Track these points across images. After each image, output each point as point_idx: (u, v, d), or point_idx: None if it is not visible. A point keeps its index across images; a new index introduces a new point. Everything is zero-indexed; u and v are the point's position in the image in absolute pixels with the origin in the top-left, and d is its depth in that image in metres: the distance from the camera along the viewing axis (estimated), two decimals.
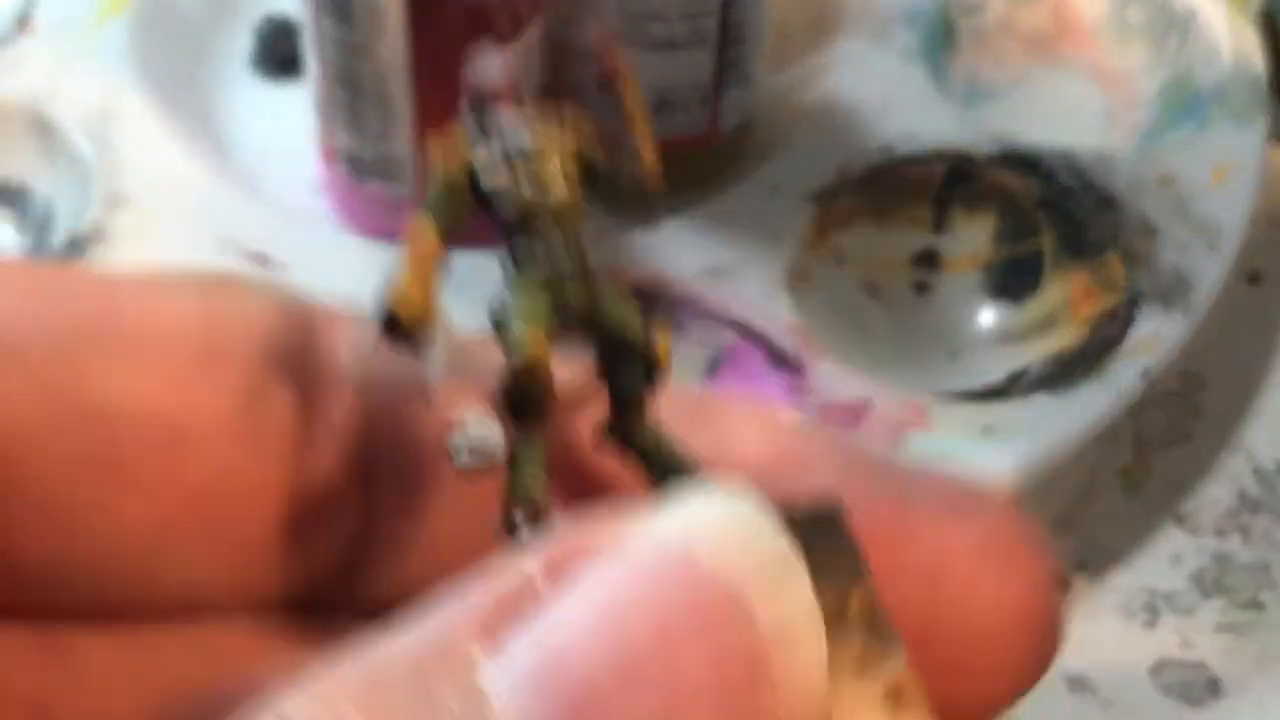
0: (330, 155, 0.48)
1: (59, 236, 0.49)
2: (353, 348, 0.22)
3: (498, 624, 0.17)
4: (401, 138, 0.46)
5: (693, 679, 0.16)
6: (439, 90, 0.45)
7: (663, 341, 0.23)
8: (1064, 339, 0.48)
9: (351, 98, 0.46)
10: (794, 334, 0.46)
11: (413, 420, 0.24)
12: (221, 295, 0.24)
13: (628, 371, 0.23)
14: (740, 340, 0.46)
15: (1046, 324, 0.49)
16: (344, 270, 0.47)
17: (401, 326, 0.22)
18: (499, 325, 0.23)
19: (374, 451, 0.24)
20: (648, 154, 0.23)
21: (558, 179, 0.23)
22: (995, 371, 0.48)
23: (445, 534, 0.22)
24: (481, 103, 0.23)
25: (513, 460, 0.23)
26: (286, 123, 0.53)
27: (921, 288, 0.50)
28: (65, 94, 0.51)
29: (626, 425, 0.24)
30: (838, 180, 0.50)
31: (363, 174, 0.47)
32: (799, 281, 0.48)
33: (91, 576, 0.24)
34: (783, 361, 0.46)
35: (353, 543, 0.25)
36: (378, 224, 0.49)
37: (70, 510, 0.24)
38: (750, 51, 0.49)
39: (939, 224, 0.51)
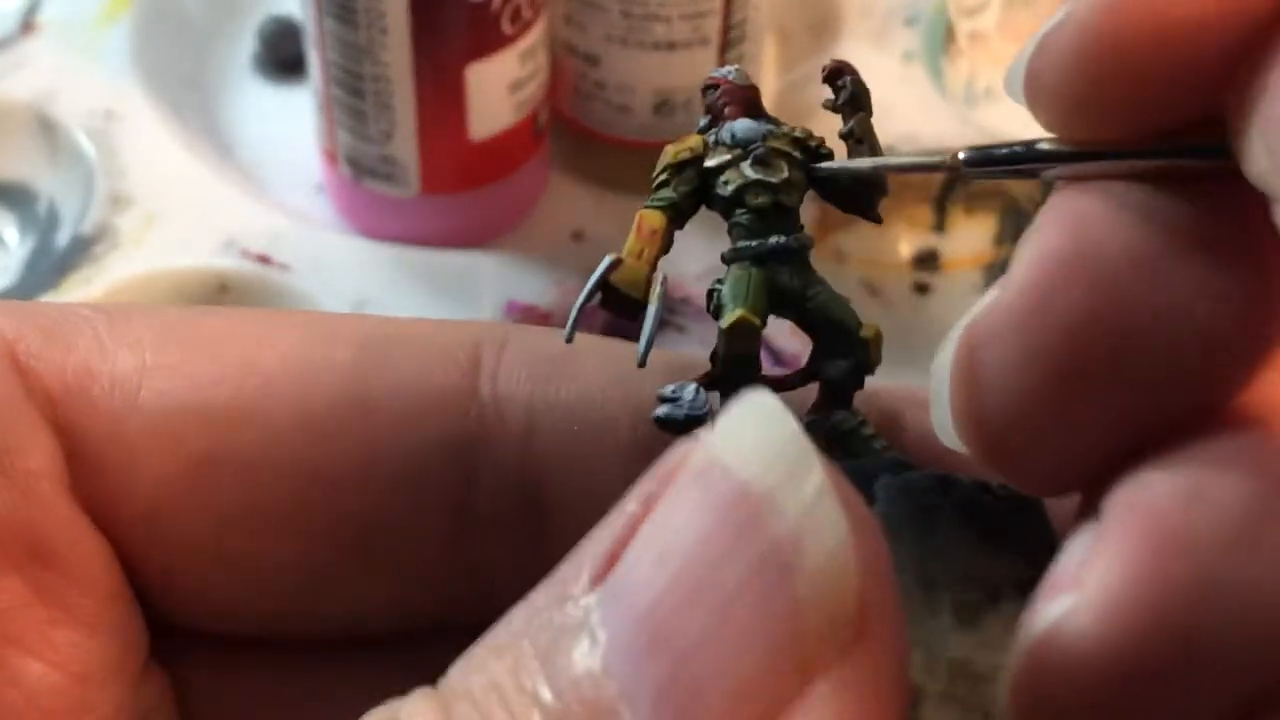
0: (331, 156, 0.48)
1: (63, 236, 0.49)
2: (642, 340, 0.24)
3: (605, 562, 0.18)
4: (403, 139, 0.46)
5: (734, 581, 0.17)
6: (441, 92, 0.45)
7: (876, 339, 0.24)
8: None
9: (353, 99, 0.46)
10: (795, 334, 0.47)
11: (585, 455, 0.25)
12: (376, 346, 0.25)
13: (837, 362, 0.24)
14: None
15: None
16: (345, 271, 0.48)
17: (619, 297, 0.24)
18: (711, 301, 0.24)
19: (549, 483, 0.26)
20: (875, 153, 0.24)
21: (780, 162, 0.24)
22: None
23: None
24: (715, 107, 0.25)
25: None
26: (288, 124, 0.53)
27: (922, 288, 0.50)
28: (68, 94, 0.52)
29: (830, 411, 0.25)
30: None
31: (364, 175, 0.48)
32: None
33: (259, 608, 0.26)
34: (783, 361, 0.46)
35: (524, 566, 0.26)
36: (379, 225, 0.49)
37: (223, 554, 0.25)
38: (752, 52, 0.49)
39: (939, 225, 0.51)
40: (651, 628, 0.17)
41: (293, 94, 0.54)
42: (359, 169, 0.47)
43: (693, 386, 0.23)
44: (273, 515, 0.25)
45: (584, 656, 0.17)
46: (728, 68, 0.25)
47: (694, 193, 0.24)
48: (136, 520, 0.24)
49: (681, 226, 0.24)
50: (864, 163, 0.24)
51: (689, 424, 0.23)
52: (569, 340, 0.23)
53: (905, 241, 0.51)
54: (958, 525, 0.22)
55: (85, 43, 0.53)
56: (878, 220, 0.25)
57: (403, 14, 0.43)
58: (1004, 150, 0.21)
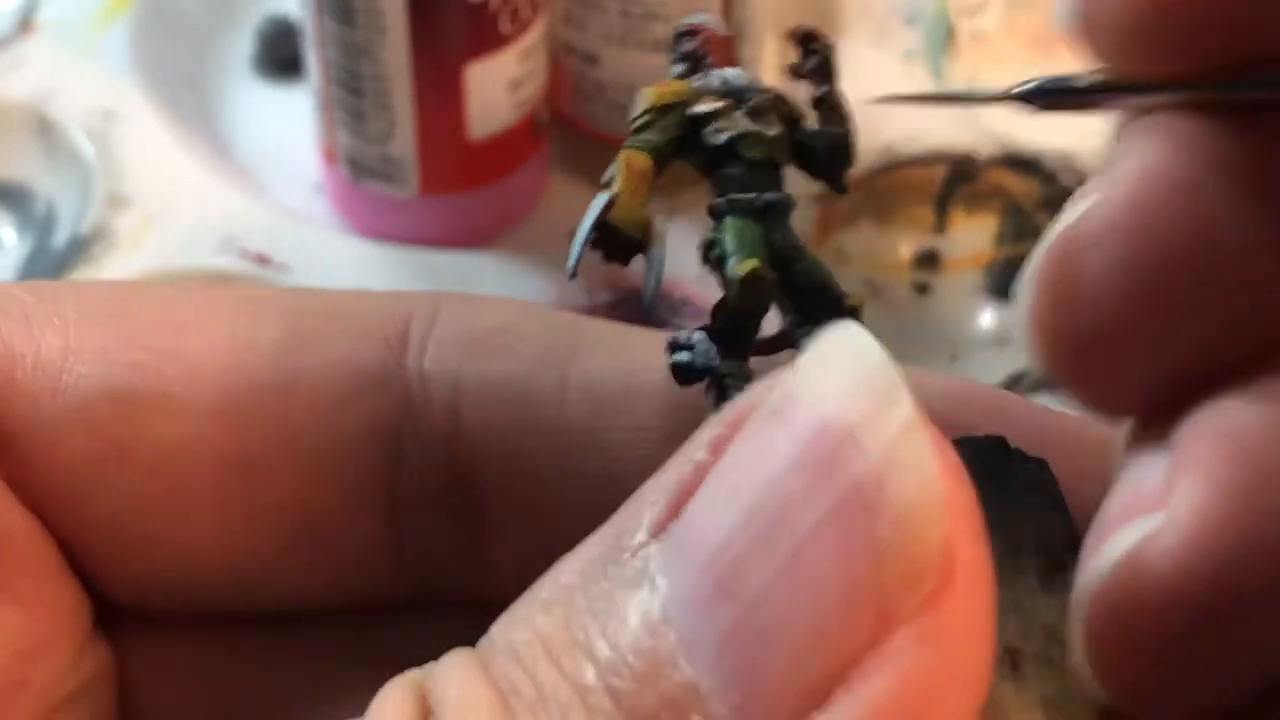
0: (330, 156, 0.48)
1: (61, 237, 0.49)
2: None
3: (667, 511, 0.17)
4: (402, 139, 0.46)
5: (809, 522, 0.16)
6: (440, 91, 0.45)
7: (861, 308, 0.23)
8: None
9: (352, 99, 0.46)
10: None
11: (513, 432, 0.25)
12: (304, 324, 0.25)
13: (818, 325, 0.23)
14: None
15: None
16: (344, 270, 0.47)
17: (618, 238, 0.22)
18: (711, 251, 0.22)
19: (480, 461, 0.25)
20: (847, 121, 0.24)
21: (772, 115, 0.23)
22: (996, 372, 0.48)
23: (559, 530, 0.22)
24: (696, 55, 0.23)
25: (719, 385, 0.22)
26: (287, 124, 0.53)
27: (922, 288, 0.50)
28: (67, 95, 0.52)
29: None
30: None
31: (363, 175, 0.47)
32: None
33: (189, 592, 0.25)
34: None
35: (462, 546, 0.26)
36: (378, 224, 0.49)
37: (145, 541, 0.25)
38: (752, 52, 0.49)
39: (940, 225, 0.51)
40: (716, 573, 0.16)
41: (291, 94, 0.54)
42: (358, 169, 0.47)
43: (702, 334, 0.22)
44: (194, 502, 0.24)
45: (641, 605, 0.16)
46: (704, 15, 0.24)
47: (675, 140, 0.23)
48: (61, 503, 0.24)
49: (660, 174, 0.23)
50: (941, 95, 0.23)
51: (703, 373, 0.22)
52: (572, 277, 0.22)
53: (906, 242, 0.51)
54: (1025, 489, 0.22)
55: (83, 43, 0.53)
56: (844, 189, 0.24)
57: (401, 13, 0.43)
58: (1078, 83, 0.21)
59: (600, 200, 0.22)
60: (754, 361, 0.23)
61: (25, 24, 0.54)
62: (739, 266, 0.22)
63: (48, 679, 0.24)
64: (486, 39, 0.44)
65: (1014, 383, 0.48)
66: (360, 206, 0.49)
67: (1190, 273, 0.19)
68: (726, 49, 0.24)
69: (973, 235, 0.51)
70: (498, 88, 0.46)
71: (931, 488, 0.16)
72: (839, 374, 0.17)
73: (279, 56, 0.55)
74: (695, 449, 0.17)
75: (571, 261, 0.22)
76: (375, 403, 0.25)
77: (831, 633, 0.16)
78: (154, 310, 0.25)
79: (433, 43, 0.44)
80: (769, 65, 0.54)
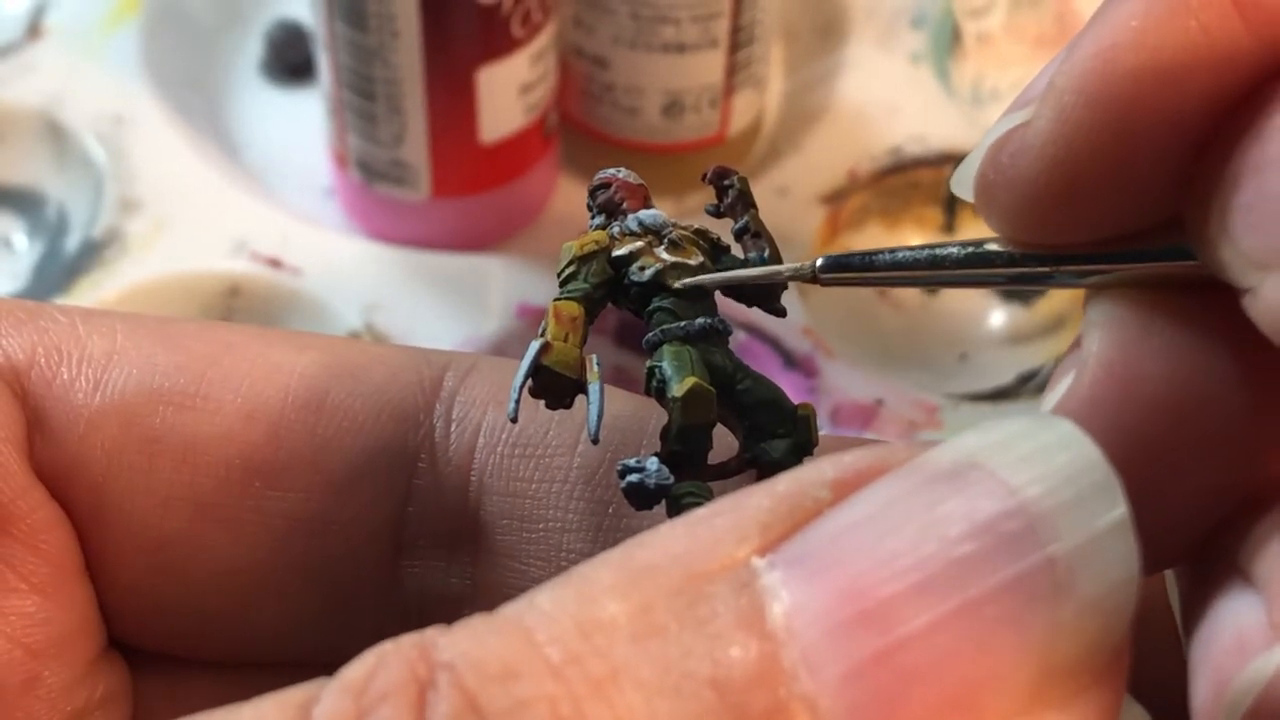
0: (342, 160, 0.48)
1: (72, 241, 0.49)
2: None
3: (777, 534, 0.17)
4: (414, 142, 0.46)
5: (990, 585, 0.16)
6: (452, 95, 0.45)
7: (812, 416, 0.24)
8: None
9: (364, 102, 0.46)
10: (806, 335, 0.47)
11: (525, 479, 0.25)
12: (344, 357, 0.26)
13: (775, 443, 0.24)
14: (752, 342, 0.47)
15: (1056, 325, 0.49)
16: (356, 274, 0.48)
17: (555, 379, 0.23)
18: (652, 380, 0.23)
19: (483, 503, 0.26)
20: (773, 248, 0.25)
21: (691, 248, 0.24)
22: (1006, 372, 0.48)
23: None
24: (611, 203, 0.25)
25: (676, 504, 0.23)
26: (297, 127, 0.53)
27: (931, 289, 0.50)
28: (77, 99, 0.52)
29: None
30: (847, 182, 0.50)
31: (375, 178, 0.48)
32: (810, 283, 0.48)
33: (193, 605, 0.26)
34: (795, 362, 0.46)
35: (456, 593, 0.26)
36: (389, 228, 0.49)
37: (162, 544, 0.25)
38: (760, 54, 0.49)
39: (949, 225, 0.51)
40: (858, 604, 0.16)
41: (300, 98, 0.54)
42: (370, 172, 0.47)
43: (654, 459, 0.23)
44: (211, 501, 0.25)
45: (748, 611, 0.16)
46: (616, 169, 0.25)
47: (604, 284, 0.24)
48: (86, 495, 0.25)
49: (592, 321, 0.24)
50: (719, 277, 0.24)
51: (658, 493, 0.23)
52: (514, 420, 0.23)
53: (914, 242, 0.51)
54: None
55: (92, 47, 0.53)
56: (782, 313, 0.25)
57: (414, 17, 0.43)
58: (859, 257, 0.22)
59: (534, 346, 0.23)
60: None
61: (34, 28, 0.54)
62: (678, 387, 0.23)
63: (59, 684, 0.24)
64: (498, 42, 0.45)
65: (1024, 382, 0.48)
66: (372, 210, 0.49)
67: (1172, 429, 0.20)
68: (640, 195, 0.25)
69: (981, 235, 0.51)
70: (509, 91, 0.46)
71: (1128, 589, 0.16)
72: (1042, 458, 0.17)
73: (287, 61, 0.55)
74: (814, 486, 0.17)
75: (511, 406, 0.23)
76: (400, 432, 0.26)
77: (984, 691, 0.16)
78: (199, 330, 0.26)
79: (445, 46, 0.44)
80: (775, 68, 0.54)
